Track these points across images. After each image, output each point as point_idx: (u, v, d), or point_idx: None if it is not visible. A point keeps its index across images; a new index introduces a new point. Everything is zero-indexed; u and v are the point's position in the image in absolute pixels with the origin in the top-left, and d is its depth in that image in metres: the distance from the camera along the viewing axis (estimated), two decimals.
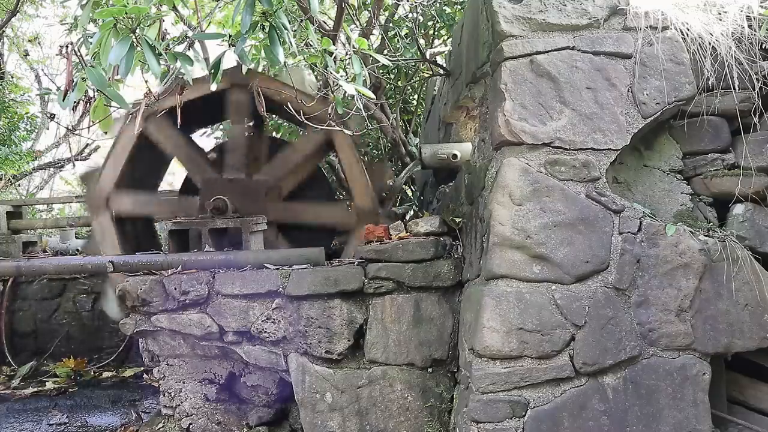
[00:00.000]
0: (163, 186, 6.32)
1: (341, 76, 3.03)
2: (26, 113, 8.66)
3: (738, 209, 2.99)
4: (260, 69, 4.51)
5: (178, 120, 2.97)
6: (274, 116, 6.02)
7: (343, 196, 6.38)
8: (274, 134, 6.61)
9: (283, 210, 4.64)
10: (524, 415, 2.76)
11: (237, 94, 4.57)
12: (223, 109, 4.78)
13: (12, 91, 8.98)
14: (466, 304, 3.28)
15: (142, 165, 4.87)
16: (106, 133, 4.51)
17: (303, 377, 3.43)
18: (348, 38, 3.05)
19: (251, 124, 4.63)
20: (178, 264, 3.73)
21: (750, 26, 3.01)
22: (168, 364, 3.86)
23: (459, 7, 5.37)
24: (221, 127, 7.66)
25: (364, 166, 4.49)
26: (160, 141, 4.67)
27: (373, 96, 3.28)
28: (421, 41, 5.14)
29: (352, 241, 4.41)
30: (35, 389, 5.58)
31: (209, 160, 4.88)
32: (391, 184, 5.02)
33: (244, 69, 3.86)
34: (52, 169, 12.60)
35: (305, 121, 3.38)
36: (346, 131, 3.75)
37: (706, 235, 2.89)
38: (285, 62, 3.09)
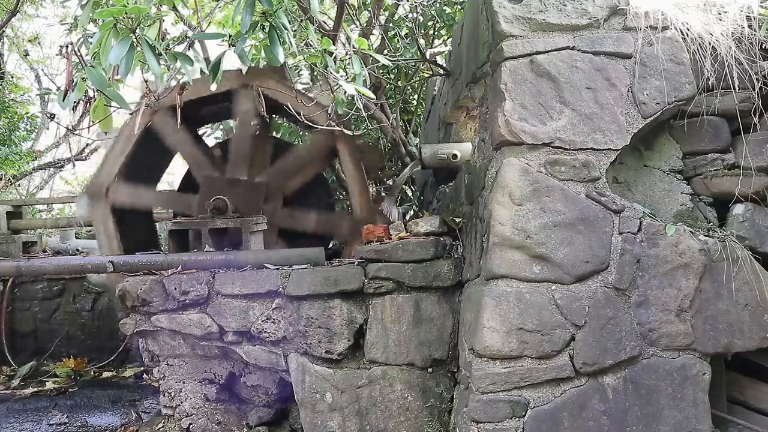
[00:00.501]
0: (163, 185, 6.33)
1: (341, 76, 3.03)
2: (26, 113, 8.66)
3: (738, 209, 2.99)
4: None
5: (178, 120, 2.97)
6: (275, 117, 5.99)
7: (342, 195, 6.37)
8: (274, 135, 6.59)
9: (283, 215, 4.62)
10: (524, 415, 2.76)
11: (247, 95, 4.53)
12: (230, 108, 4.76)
13: (12, 91, 8.98)
14: (466, 304, 3.28)
15: (145, 158, 4.84)
16: (106, 133, 4.51)
17: (303, 377, 3.43)
18: (348, 38, 3.06)
19: (257, 124, 4.61)
20: (178, 264, 3.73)
21: (750, 26, 3.01)
22: (168, 364, 3.86)
23: (459, 7, 5.38)
24: (221, 126, 7.66)
25: (366, 175, 4.45)
26: (166, 135, 4.65)
27: (373, 96, 3.29)
28: (421, 41, 5.14)
29: (346, 252, 4.40)
30: (35, 389, 5.57)
31: (213, 159, 4.87)
32: (389, 181, 5.01)
33: (244, 69, 3.86)
34: (52, 169, 12.61)
35: (305, 120, 3.38)
36: (351, 141, 3.75)
37: (706, 235, 2.89)
38: (285, 62, 3.09)
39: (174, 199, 5.01)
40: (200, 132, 6.09)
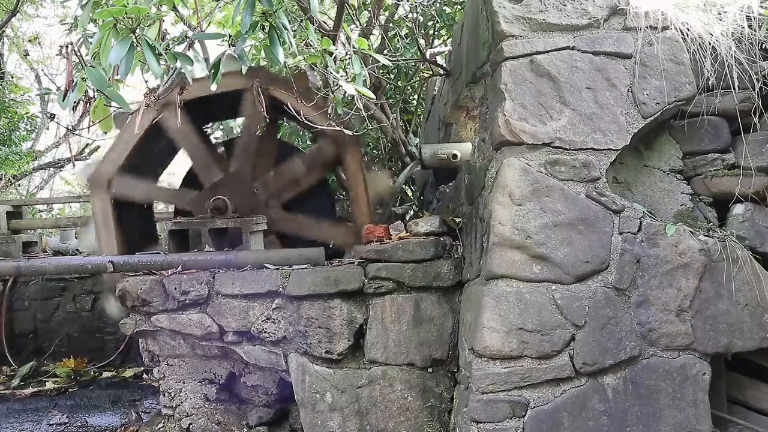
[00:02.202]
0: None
1: (341, 76, 3.03)
2: (26, 113, 8.66)
3: (738, 209, 2.99)
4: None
5: (178, 120, 2.96)
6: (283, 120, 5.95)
7: (343, 195, 6.37)
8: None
9: (283, 220, 4.61)
10: (524, 415, 2.76)
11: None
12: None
13: (12, 91, 8.98)
14: (466, 304, 3.28)
15: (149, 153, 4.82)
16: (106, 133, 4.50)
17: (303, 377, 3.43)
18: (348, 38, 3.05)
19: (265, 124, 4.60)
20: (178, 264, 3.73)
21: (750, 26, 3.00)
22: (168, 364, 3.86)
23: (459, 7, 5.37)
24: (221, 126, 7.66)
25: (367, 186, 4.43)
26: (173, 132, 4.64)
27: (373, 96, 3.29)
28: (421, 41, 5.14)
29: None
30: (35, 389, 5.58)
31: (218, 158, 4.84)
32: (390, 193, 4.99)
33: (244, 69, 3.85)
34: (52, 169, 12.61)
35: (305, 120, 3.37)
36: (357, 149, 3.71)
37: (706, 235, 2.89)
38: (285, 62, 3.09)
39: (175, 194, 4.98)
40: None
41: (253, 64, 5.25)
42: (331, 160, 4.60)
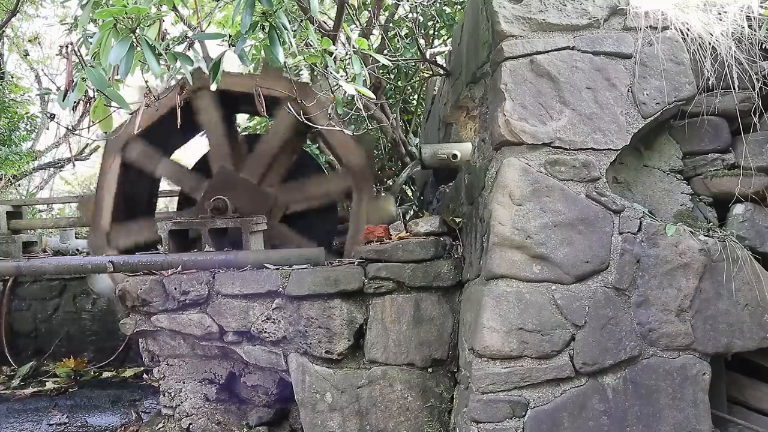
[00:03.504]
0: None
1: (341, 76, 3.03)
2: (26, 113, 8.66)
3: (738, 209, 2.99)
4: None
5: (178, 120, 2.96)
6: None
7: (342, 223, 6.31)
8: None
9: (279, 233, 4.61)
10: (524, 415, 2.76)
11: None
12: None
13: (12, 91, 8.97)
14: (466, 304, 3.28)
15: (171, 128, 4.83)
16: (106, 133, 4.50)
17: (303, 377, 3.43)
18: (348, 38, 3.05)
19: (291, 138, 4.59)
20: (178, 264, 3.73)
21: (750, 26, 3.00)
22: (168, 364, 3.86)
23: (459, 7, 5.38)
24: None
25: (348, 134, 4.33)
26: (202, 114, 4.63)
27: (373, 96, 3.28)
28: (421, 41, 5.14)
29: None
30: (35, 389, 5.58)
31: (235, 154, 4.81)
32: (389, 181, 5.00)
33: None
34: (52, 169, 12.61)
35: (305, 121, 3.37)
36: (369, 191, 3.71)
37: (706, 235, 2.89)
38: (285, 62, 3.09)
39: (184, 175, 4.97)
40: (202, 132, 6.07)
41: (252, 64, 5.26)
42: (344, 191, 4.63)
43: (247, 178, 4.54)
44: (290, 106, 3.60)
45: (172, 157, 5.33)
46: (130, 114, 3.22)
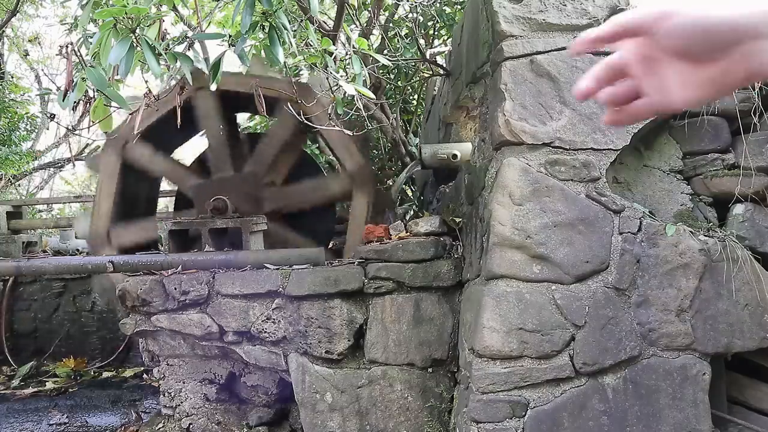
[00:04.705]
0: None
1: (341, 76, 3.03)
2: (26, 113, 8.66)
3: (738, 209, 2.99)
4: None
5: (178, 120, 2.96)
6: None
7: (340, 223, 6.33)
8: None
9: (275, 232, 4.61)
10: (524, 415, 2.76)
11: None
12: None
13: (12, 91, 8.98)
14: (466, 304, 3.28)
15: (171, 128, 4.83)
16: (106, 133, 4.50)
17: (303, 377, 3.43)
18: (348, 38, 3.05)
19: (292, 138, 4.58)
20: (178, 264, 3.73)
21: None
22: (168, 364, 3.86)
23: (459, 7, 5.37)
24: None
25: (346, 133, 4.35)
26: (201, 114, 4.62)
27: (373, 96, 3.28)
28: (421, 41, 5.13)
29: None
30: (35, 389, 5.58)
31: (235, 153, 4.82)
32: (391, 203, 5.00)
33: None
34: (52, 169, 12.62)
35: (305, 120, 3.37)
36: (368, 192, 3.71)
37: (706, 235, 2.89)
38: (285, 62, 3.09)
39: (182, 175, 4.96)
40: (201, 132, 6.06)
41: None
42: (343, 193, 4.62)
43: (246, 179, 4.54)
44: (290, 106, 3.60)
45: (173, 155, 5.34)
46: (131, 114, 3.22)
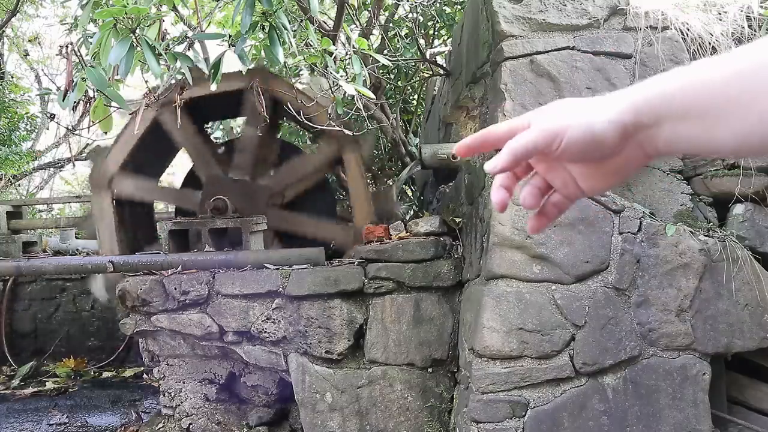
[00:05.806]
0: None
1: (341, 76, 3.03)
2: (26, 113, 8.66)
3: (738, 209, 2.99)
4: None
5: (178, 120, 2.96)
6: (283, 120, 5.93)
7: (343, 195, 6.37)
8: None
9: (283, 219, 4.62)
10: (524, 415, 2.76)
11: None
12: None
13: (12, 91, 8.97)
14: (466, 304, 3.28)
15: (150, 152, 4.81)
16: (106, 133, 4.49)
17: (303, 377, 3.43)
18: (348, 38, 3.05)
19: (264, 124, 4.59)
20: (178, 264, 3.73)
21: (750, 26, 3.00)
22: (168, 364, 3.85)
23: (459, 7, 5.38)
24: (221, 126, 7.65)
25: (370, 188, 4.46)
26: (173, 131, 4.61)
27: (373, 96, 3.29)
28: (421, 41, 5.13)
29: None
30: (35, 389, 5.57)
31: (217, 157, 4.85)
32: (393, 204, 5.01)
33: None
34: (52, 169, 12.61)
35: (305, 120, 3.37)
36: (357, 149, 3.69)
37: (706, 235, 2.89)
38: (285, 62, 3.09)
39: (176, 194, 4.99)
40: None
41: (252, 65, 5.26)
42: (332, 158, 4.60)
43: (238, 177, 4.54)
44: (256, 94, 3.61)
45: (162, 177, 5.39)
46: (131, 114, 3.23)
